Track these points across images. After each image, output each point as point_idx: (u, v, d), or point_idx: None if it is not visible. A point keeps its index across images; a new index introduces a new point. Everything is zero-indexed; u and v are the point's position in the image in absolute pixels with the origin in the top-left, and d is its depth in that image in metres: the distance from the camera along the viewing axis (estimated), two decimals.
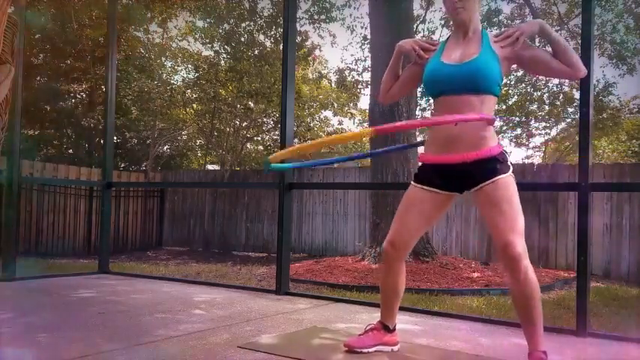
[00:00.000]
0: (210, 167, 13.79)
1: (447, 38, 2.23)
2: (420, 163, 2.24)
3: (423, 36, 12.20)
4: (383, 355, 2.29)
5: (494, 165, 2.03)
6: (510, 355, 2.33)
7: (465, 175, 2.07)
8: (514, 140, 13.16)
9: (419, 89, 8.32)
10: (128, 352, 2.22)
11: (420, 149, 2.30)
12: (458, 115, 1.97)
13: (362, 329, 2.40)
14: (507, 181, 2.03)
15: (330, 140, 2.29)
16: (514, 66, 2.26)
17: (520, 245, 1.94)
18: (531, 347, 2.00)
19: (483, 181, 2.03)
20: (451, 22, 2.26)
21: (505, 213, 1.99)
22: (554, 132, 13.18)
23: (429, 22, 12.19)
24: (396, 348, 2.35)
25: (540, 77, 12.05)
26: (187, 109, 12.17)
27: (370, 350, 2.29)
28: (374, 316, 2.59)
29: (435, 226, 8.43)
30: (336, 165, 14.91)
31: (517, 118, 12.27)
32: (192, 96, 12.21)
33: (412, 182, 2.22)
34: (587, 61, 2.73)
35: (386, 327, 2.34)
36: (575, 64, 2.04)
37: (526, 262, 1.95)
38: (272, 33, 11.69)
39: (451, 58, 2.11)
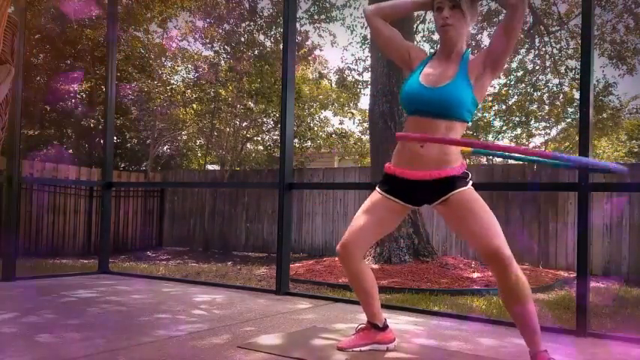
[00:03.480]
0: (210, 167, 13.79)
1: (434, 54, 2.23)
2: (384, 173, 2.27)
3: (423, 36, 12.21)
4: (383, 354, 2.30)
5: (456, 181, 2.09)
6: (510, 355, 2.33)
7: (427, 190, 2.12)
8: (514, 140, 13.16)
9: None
10: (128, 352, 2.22)
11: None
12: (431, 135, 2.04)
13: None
14: (472, 191, 2.10)
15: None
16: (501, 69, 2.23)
17: (508, 248, 1.95)
18: (534, 349, 1.99)
19: (447, 193, 2.07)
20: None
21: (484, 219, 2.01)
22: (554, 132, 13.18)
23: (429, 22, 12.16)
24: (392, 345, 2.35)
25: (540, 77, 12.06)
26: (187, 109, 12.17)
27: (363, 349, 2.30)
28: None
29: (434, 225, 8.44)
30: (336, 165, 14.91)
31: (517, 118, 12.27)
32: (192, 96, 12.21)
33: (377, 188, 2.25)
34: (587, 61, 2.74)
35: (375, 326, 2.34)
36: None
37: (515, 264, 1.95)
38: (272, 33, 11.69)
39: (428, 80, 2.12)
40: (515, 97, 12.30)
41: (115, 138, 11.01)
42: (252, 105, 11.76)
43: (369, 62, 11.37)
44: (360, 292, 2.30)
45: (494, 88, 12.72)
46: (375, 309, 2.32)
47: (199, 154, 14.62)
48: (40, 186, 9.06)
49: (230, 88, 11.50)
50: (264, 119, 12.67)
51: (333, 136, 14.39)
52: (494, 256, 1.93)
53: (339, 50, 33.83)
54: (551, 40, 11.22)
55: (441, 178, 2.08)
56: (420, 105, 2.10)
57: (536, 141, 13.60)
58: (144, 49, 12.28)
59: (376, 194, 2.24)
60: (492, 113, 12.34)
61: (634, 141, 14.07)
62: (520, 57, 11.78)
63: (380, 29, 2.24)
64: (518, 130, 12.84)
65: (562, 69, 11.50)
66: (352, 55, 37.44)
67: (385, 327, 2.35)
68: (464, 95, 2.06)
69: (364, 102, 16.46)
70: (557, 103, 11.76)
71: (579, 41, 2.82)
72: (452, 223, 2.15)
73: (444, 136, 2.06)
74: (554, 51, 11.33)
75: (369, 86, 8.41)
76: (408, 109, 2.16)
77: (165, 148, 13.51)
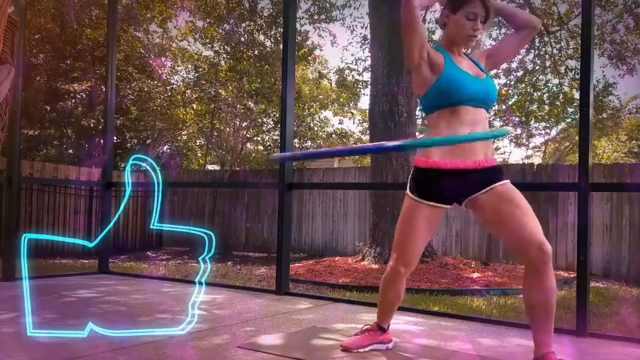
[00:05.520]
0: (210, 167, 13.78)
1: (440, 46, 2.16)
2: (416, 169, 2.14)
3: None
4: (383, 355, 2.30)
5: (498, 172, 2.09)
6: (510, 355, 2.33)
7: (470, 181, 2.06)
8: (514, 140, 13.17)
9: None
10: (128, 352, 2.22)
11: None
12: (477, 130, 2.06)
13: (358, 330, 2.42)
14: (513, 185, 2.10)
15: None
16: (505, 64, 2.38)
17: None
18: (544, 350, 1.97)
19: (493, 183, 2.05)
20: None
21: (530, 212, 2.00)
22: (554, 132, 13.19)
23: (428, 22, 12.15)
24: (390, 345, 2.39)
25: (540, 77, 12.06)
26: (187, 109, 12.17)
27: (366, 349, 2.31)
28: (374, 316, 2.59)
29: None
30: (336, 165, 14.93)
31: (517, 118, 12.27)
32: (192, 96, 12.22)
33: (415, 197, 2.11)
34: (587, 61, 2.74)
35: (381, 328, 2.37)
36: (529, 18, 2.19)
37: None
38: (272, 33, 11.70)
39: (471, 72, 2.11)
40: (515, 97, 12.30)
41: (115, 138, 11.00)
42: (252, 105, 11.76)
43: (369, 62, 11.37)
44: (393, 301, 2.32)
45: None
46: (391, 315, 2.38)
47: (199, 154, 14.63)
48: (40, 186, 9.06)
49: (230, 88, 11.50)
50: (264, 119, 12.68)
51: (333, 136, 14.39)
52: (542, 249, 1.92)
53: (339, 50, 33.85)
54: (551, 40, 11.22)
55: (487, 167, 2.07)
56: (473, 94, 2.06)
57: (536, 141, 13.62)
58: (144, 50, 12.28)
59: (418, 205, 2.11)
60: (492, 113, 12.35)
61: (634, 141, 14.08)
62: (520, 57, 11.78)
63: (418, 20, 2.06)
64: (518, 130, 12.85)
65: (562, 69, 11.50)
66: (352, 55, 37.50)
67: (387, 329, 2.39)
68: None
69: (364, 102, 16.46)
70: (557, 103, 11.76)
71: (579, 41, 2.82)
72: (494, 213, 2.04)
73: (484, 125, 2.10)
74: (554, 51, 11.33)
75: (369, 86, 8.40)
76: (457, 98, 2.04)
77: (165, 148, 13.52)
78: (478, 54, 2.24)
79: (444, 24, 2.17)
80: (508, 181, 2.09)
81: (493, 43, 11.33)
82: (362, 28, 12.98)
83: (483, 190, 2.05)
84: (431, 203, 2.09)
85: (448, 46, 2.16)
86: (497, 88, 2.12)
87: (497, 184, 2.05)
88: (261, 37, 11.89)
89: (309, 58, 13.43)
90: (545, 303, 1.95)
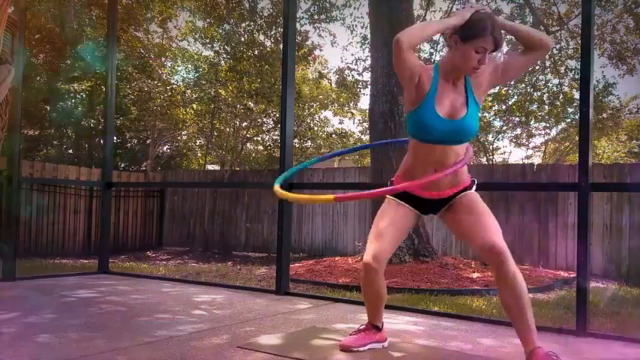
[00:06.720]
0: (210, 167, 13.78)
1: (437, 69, 2.13)
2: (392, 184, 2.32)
3: None
4: (383, 354, 2.30)
5: (464, 189, 2.22)
6: (510, 355, 2.33)
7: (437, 203, 2.24)
8: (514, 140, 13.16)
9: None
10: (128, 352, 2.22)
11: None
12: (443, 170, 2.10)
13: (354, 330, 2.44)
14: (475, 193, 2.22)
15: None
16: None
17: (504, 245, 2.01)
18: (529, 347, 2.00)
19: (454, 198, 2.20)
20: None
21: (485, 215, 2.10)
22: (554, 132, 13.17)
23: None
24: (386, 344, 2.41)
25: (540, 77, 12.05)
26: (187, 109, 12.17)
27: (364, 348, 2.33)
28: None
29: (434, 225, 8.44)
30: (336, 165, 14.94)
31: (517, 118, 12.27)
32: (192, 96, 12.21)
33: (392, 198, 2.29)
34: (587, 61, 2.74)
35: (375, 327, 2.39)
36: (542, 39, 2.14)
37: (512, 261, 2.01)
38: (272, 33, 11.69)
39: (445, 111, 2.10)
40: (515, 97, 12.29)
41: (115, 138, 11.01)
42: (252, 105, 11.76)
43: (369, 62, 11.36)
44: (375, 299, 2.34)
45: (495, 88, 12.69)
46: (381, 312, 2.39)
47: (199, 154, 14.63)
48: (40, 186, 9.06)
49: (230, 88, 11.50)
50: (264, 119, 12.67)
51: (333, 136, 14.39)
52: (491, 250, 2.00)
53: (339, 50, 33.84)
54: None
55: (453, 194, 2.21)
56: (439, 137, 2.10)
57: (537, 141, 13.61)
58: (144, 49, 12.27)
59: (393, 204, 2.27)
60: (492, 113, 12.34)
61: (634, 141, 14.07)
62: None
63: (408, 59, 2.03)
64: (518, 130, 12.84)
65: (562, 69, 11.49)
66: (352, 55, 37.50)
67: (381, 327, 2.41)
68: (477, 122, 2.16)
69: (364, 102, 16.45)
70: (557, 103, 11.75)
71: (579, 41, 2.83)
72: (453, 223, 2.22)
73: (454, 161, 2.14)
74: (554, 51, 11.32)
75: (369, 86, 8.41)
76: (423, 139, 2.14)
77: (165, 148, 13.51)
78: (483, 73, 2.14)
79: (450, 46, 2.11)
80: (469, 191, 2.20)
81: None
82: (362, 28, 12.99)
83: (446, 206, 2.23)
84: (406, 205, 2.26)
85: (446, 71, 2.12)
86: (500, 93, 2.04)
87: (459, 196, 2.19)
88: (261, 37, 11.88)
89: (309, 58, 13.42)
90: (515, 301, 2.02)
